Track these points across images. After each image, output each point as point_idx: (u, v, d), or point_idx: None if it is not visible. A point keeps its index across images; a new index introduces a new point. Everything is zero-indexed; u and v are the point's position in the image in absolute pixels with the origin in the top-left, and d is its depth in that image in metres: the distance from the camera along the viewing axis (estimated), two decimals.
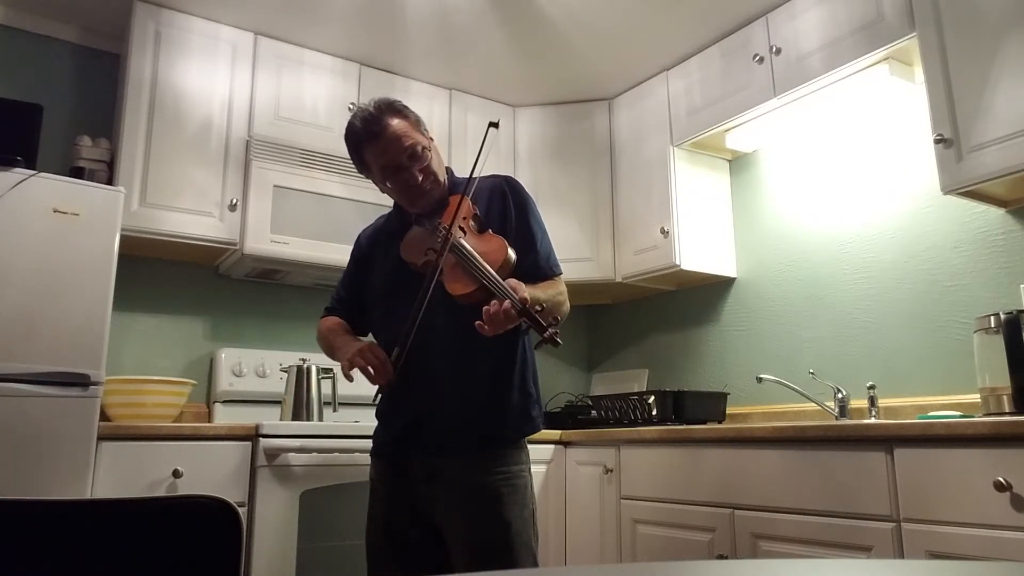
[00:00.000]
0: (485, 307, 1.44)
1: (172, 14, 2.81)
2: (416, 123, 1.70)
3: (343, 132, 3.17)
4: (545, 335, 1.38)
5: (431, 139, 1.73)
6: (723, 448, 2.23)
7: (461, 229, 1.62)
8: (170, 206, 2.69)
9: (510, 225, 1.68)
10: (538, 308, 1.41)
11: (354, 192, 2.98)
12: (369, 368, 1.57)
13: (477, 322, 1.44)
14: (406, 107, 1.71)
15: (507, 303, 1.41)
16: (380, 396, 1.67)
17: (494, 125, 1.66)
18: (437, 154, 1.73)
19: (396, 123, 1.65)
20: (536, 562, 1.62)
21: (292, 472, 2.39)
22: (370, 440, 2.50)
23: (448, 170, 1.78)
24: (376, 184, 1.75)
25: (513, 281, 1.47)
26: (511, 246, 1.60)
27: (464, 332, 1.55)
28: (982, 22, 2.09)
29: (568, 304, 1.71)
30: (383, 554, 1.68)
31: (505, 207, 1.71)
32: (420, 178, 1.67)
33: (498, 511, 1.58)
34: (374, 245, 1.86)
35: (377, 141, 1.64)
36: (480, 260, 1.54)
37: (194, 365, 2.94)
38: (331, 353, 1.80)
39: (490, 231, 1.66)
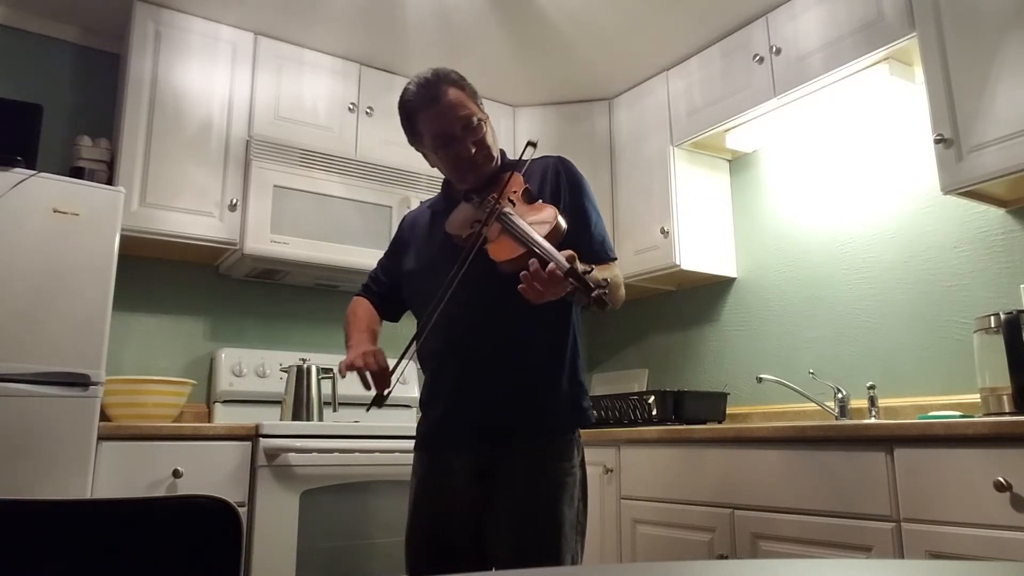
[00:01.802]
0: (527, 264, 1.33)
1: (172, 14, 2.81)
2: (473, 95, 1.64)
3: (343, 131, 3.19)
4: (593, 295, 1.28)
5: (487, 115, 1.66)
6: (723, 448, 2.23)
7: (510, 201, 1.54)
8: (170, 206, 2.69)
9: (563, 205, 1.60)
10: (587, 269, 1.31)
11: (354, 192, 2.98)
12: (367, 374, 1.52)
13: (520, 286, 1.33)
14: (463, 78, 1.65)
15: (551, 264, 1.31)
16: (372, 407, 1.57)
17: (532, 145, 1.58)
18: (492, 130, 1.67)
19: (453, 92, 1.59)
20: (574, 562, 1.54)
21: (292, 472, 2.39)
22: (371, 440, 2.53)
23: (502, 151, 1.71)
24: (427, 156, 1.69)
25: (566, 252, 1.35)
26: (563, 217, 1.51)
27: (510, 312, 1.49)
28: (982, 22, 2.09)
29: (623, 290, 1.63)
30: (420, 555, 1.59)
31: (558, 186, 1.64)
32: (473, 150, 1.60)
33: (545, 515, 1.50)
34: (416, 226, 1.79)
35: (432, 108, 1.59)
36: (528, 227, 1.45)
37: (194, 365, 2.95)
38: (346, 342, 1.72)
39: (541, 201, 1.57)
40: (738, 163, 3.25)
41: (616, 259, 1.66)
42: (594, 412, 1.68)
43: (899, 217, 2.60)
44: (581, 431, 1.68)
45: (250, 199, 2.78)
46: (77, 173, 2.55)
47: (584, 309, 1.43)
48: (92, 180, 2.49)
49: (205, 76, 2.85)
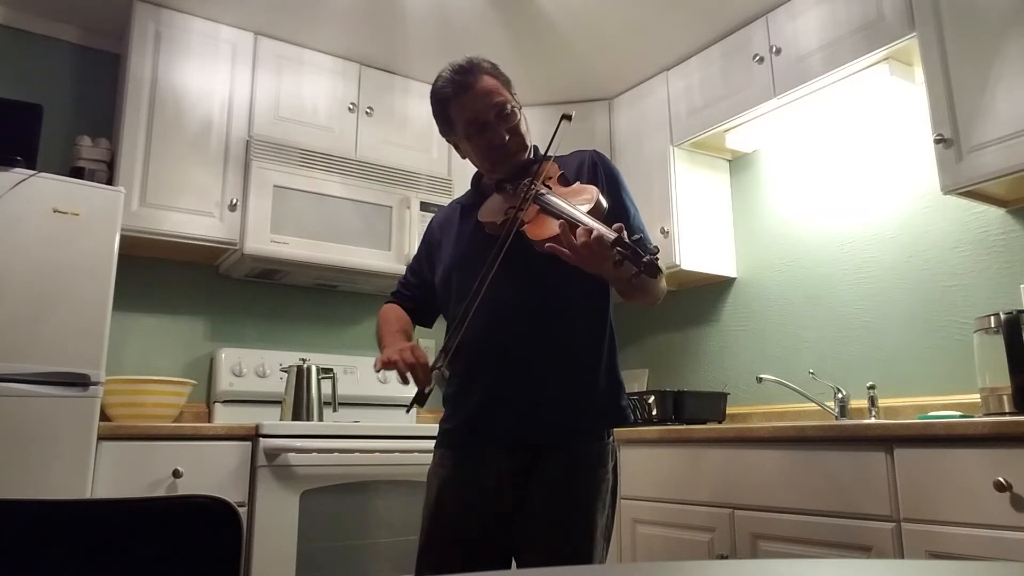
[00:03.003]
0: (575, 232, 1.28)
1: (172, 14, 2.81)
2: (506, 83, 1.62)
3: (343, 131, 3.19)
4: (644, 259, 1.22)
5: (520, 104, 1.64)
6: (723, 448, 2.23)
7: (546, 186, 1.49)
8: (170, 206, 2.69)
9: None
10: (636, 236, 1.25)
11: (354, 192, 2.98)
12: (402, 368, 1.44)
13: (561, 249, 1.27)
14: (496, 66, 1.63)
15: (598, 231, 1.26)
16: (414, 405, 1.46)
17: (567, 118, 1.51)
18: (526, 120, 1.64)
19: (487, 79, 1.58)
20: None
21: (292, 472, 2.39)
22: (371, 440, 2.53)
23: (535, 147, 1.68)
24: (458, 146, 1.66)
25: (613, 224, 1.29)
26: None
27: (547, 306, 1.46)
28: (982, 22, 2.09)
29: (664, 282, 1.57)
30: (442, 555, 1.53)
31: (596, 177, 1.59)
32: (507, 137, 1.57)
33: (579, 523, 1.46)
34: (446, 224, 1.74)
35: (465, 95, 1.56)
36: (567, 204, 1.39)
37: (194, 365, 2.95)
38: (380, 346, 1.66)
39: (579, 183, 1.52)
40: (738, 163, 3.25)
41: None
42: (631, 412, 1.63)
43: (899, 217, 2.60)
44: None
45: (250, 199, 2.78)
46: (77, 173, 2.55)
47: (632, 291, 1.37)
48: (92, 180, 2.49)
49: (205, 76, 2.85)
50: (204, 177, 2.77)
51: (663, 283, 1.55)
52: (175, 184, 2.71)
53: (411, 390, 1.46)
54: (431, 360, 1.48)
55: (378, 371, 1.51)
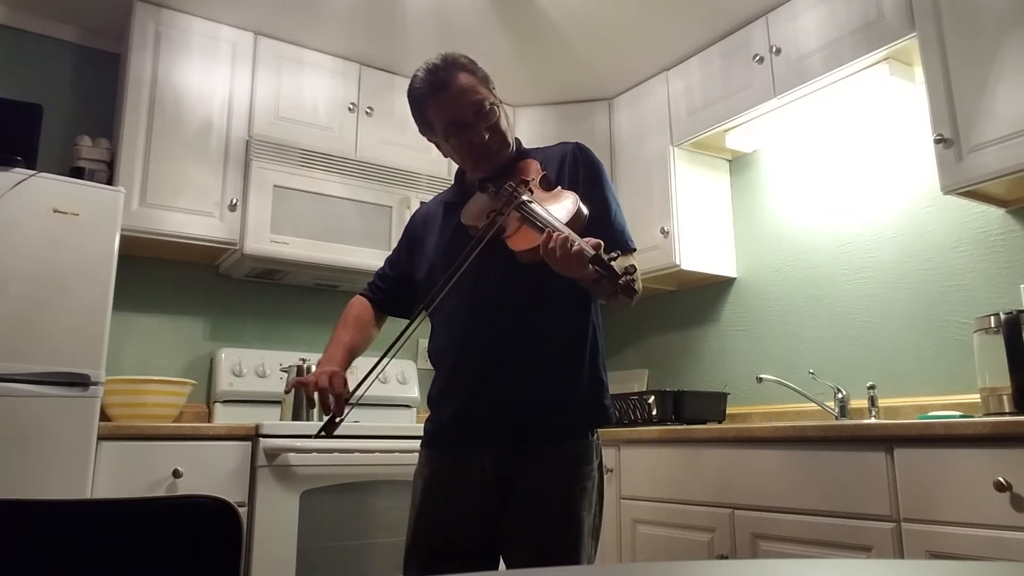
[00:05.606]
0: (552, 240, 1.29)
1: (172, 14, 2.81)
2: (484, 80, 1.57)
3: (343, 131, 3.19)
4: (620, 282, 1.22)
5: (500, 100, 1.60)
6: (723, 448, 2.23)
7: (528, 189, 1.49)
8: (170, 206, 2.69)
9: (582, 192, 1.52)
10: (612, 257, 1.25)
11: (354, 192, 2.99)
12: (310, 392, 1.47)
13: (539, 245, 1.29)
14: (473, 62, 1.58)
15: (578, 245, 1.26)
16: (322, 433, 1.47)
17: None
18: (506, 116, 1.60)
19: (463, 77, 1.53)
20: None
21: (292, 472, 2.39)
22: (371, 440, 2.53)
23: (517, 139, 1.65)
24: (439, 145, 1.64)
25: (591, 240, 1.30)
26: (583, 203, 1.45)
27: (529, 307, 1.46)
28: (982, 22, 2.09)
29: (641, 283, 1.51)
30: (427, 555, 1.52)
31: (576, 172, 1.57)
32: (487, 136, 1.54)
33: (565, 522, 1.46)
34: (429, 220, 1.72)
35: (442, 95, 1.52)
36: (548, 215, 1.39)
37: (194, 365, 2.95)
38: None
39: (560, 188, 1.52)
40: (738, 163, 3.25)
41: (636, 250, 1.59)
42: (615, 411, 1.63)
43: (899, 217, 2.60)
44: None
45: (250, 199, 2.78)
46: (77, 173, 2.55)
47: (610, 300, 1.38)
48: (92, 180, 2.49)
49: (205, 76, 2.85)
50: (204, 177, 2.77)
51: (639, 284, 1.54)
52: (175, 184, 2.71)
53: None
54: (351, 389, 1.50)
55: (287, 392, 1.50)
